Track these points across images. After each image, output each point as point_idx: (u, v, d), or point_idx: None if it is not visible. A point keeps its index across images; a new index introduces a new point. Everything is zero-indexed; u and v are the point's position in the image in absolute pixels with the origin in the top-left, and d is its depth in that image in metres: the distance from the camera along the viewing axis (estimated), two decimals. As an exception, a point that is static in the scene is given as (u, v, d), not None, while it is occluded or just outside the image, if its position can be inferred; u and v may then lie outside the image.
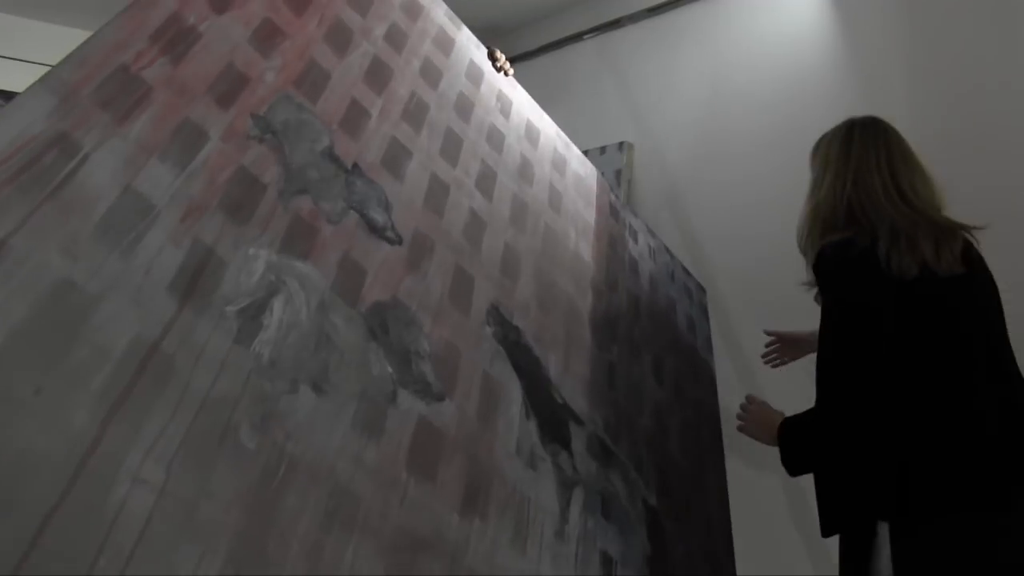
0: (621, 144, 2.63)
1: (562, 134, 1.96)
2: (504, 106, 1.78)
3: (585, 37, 2.92)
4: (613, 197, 2.02)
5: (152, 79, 1.03)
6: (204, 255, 0.96)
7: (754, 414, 1.41)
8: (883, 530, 1.11)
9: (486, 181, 1.56)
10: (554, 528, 1.22)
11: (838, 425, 1.18)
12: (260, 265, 1.03)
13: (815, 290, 1.35)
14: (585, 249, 1.76)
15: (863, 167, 1.30)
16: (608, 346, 1.63)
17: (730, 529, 1.66)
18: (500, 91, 1.80)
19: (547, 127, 1.90)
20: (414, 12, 1.66)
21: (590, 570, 1.23)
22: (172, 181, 0.98)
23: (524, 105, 1.86)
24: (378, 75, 1.44)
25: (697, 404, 1.84)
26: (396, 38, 1.55)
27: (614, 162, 2.58)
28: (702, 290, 2.18)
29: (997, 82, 1.91)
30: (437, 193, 1.41)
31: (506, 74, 1.87)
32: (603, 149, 2.66)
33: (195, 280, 0.94)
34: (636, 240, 2.00)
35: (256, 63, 1.20)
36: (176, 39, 1.10)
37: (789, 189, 1.64)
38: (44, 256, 0.82)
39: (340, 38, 1.40)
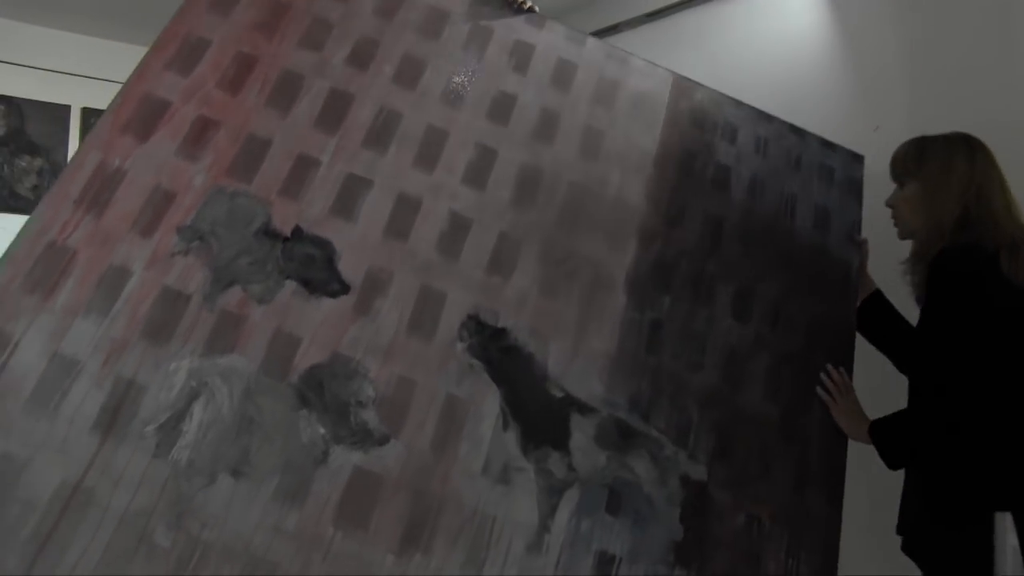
0: None
1: (617, 50, 1.85)
2: (520, 60, 1.75)
3: None
4: (700, 96, 1.85)
5: (77, 242, 1.34)
6: (124, 388, 1.26)
7: (844, 407, 1.57)
8: (1004, 521, 1.29)
9: (479, 169, 1.60)
10: (527, 541, 1.31)
11: (960, 419, 1.35)
12: (181, 376, 1.29)
13: (909, 276, 1.54)
14: (634, 188, 1.68)
15: (987, 182, 1.48)
16: (653, 302, 1.58)
17: (841, 472, 1.53)
18: (515, 43, 1.77)
19: (589, 54, 1.82)
20: (389, 9, 1.71)
21: (579, 572, 1.31)
22: (96, 331, 1.28)
23: (552, 45, 1.80)
24: (333, 109, 1.57)
25: (815, 324, 1.66)
26: (363, 51, 1.64)
27: None
28: (855, 159, 1.89)
29: (996, 84, 1.87)
30: (402, 214, 1.51)
31: (532, 10, 1.82)
32: None
33: (115, 414, 1.24)
34: (734, 139, 1.82)
35: (184, 172, 1.43)
36: (100, 191, 1.38)
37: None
38: (-13, 439, 1.18)
39: (287, 91, 1.56)
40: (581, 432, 1.42)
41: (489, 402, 1.40)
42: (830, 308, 1.70)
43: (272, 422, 1.29)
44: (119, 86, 1.52)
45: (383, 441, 1.33)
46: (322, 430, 1.31)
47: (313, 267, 1.43)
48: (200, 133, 1.48)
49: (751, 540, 1.42)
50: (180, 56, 1.54)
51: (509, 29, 1.78)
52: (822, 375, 1.60)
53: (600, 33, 2.99)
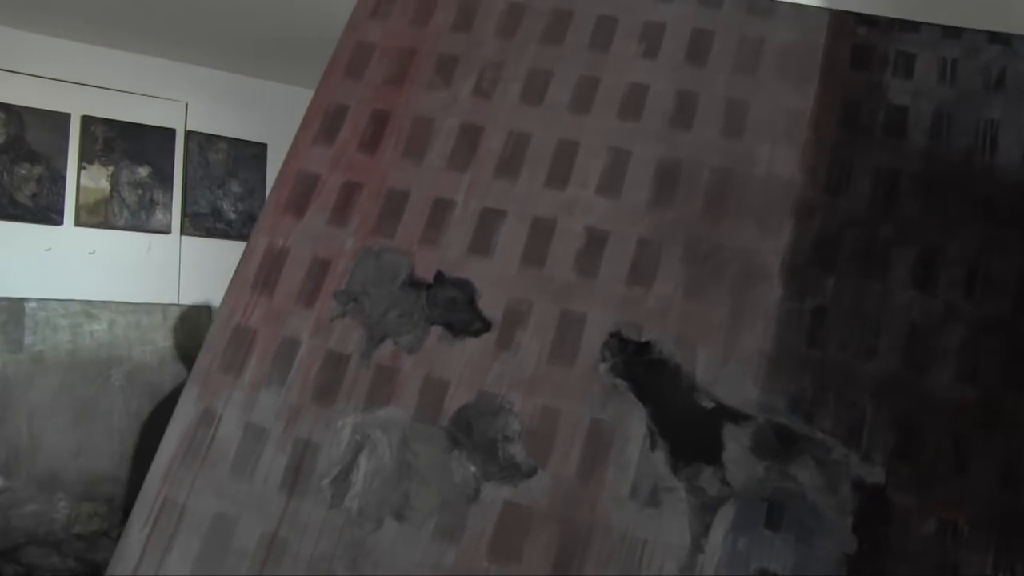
0: None
1: (760, 1, 1.71)
2: (650, 44, 1.70)
3: None
4: (863, 31, 1.65)
5: (256, 322, 1.57)
6: (302, 449, 1.47)
7: None
8: None
9: (613, 174, 1.60)
10: (679, 564, 1.32)
11: None
12: (347, 432, 1.47)
13: None
14: (787, 160, 1.56)
15: None
16: (815, 287, 1.47)
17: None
18: (643, 25, 1.72)
19: (726, 15, 1.70)
20: (511, 26, 1.75)
21: (734, 596, 1.30)
22: (276, 400, 1.51)
23: (684, 16, 1.71)
24: (464, 145, 1.66)
25: (1029, 281, 1.44)
26: (489, 78, 1.71)
27: None
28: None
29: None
30: (537, 239, 1.56)
31: None
32: None
33: (297, 473, 1.45)
34: (910, 70, 1.61)
35: (335, 239, 1.61)
36: (269, 272, 1.61)
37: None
38: (205, 502, 1.46)
39: (419, 138, 1.67)
40: (735, 443, 1.39)
41: (635, 422, 1.42)
42: (1051, 256, 1.45)
43: (427, 466, 1.43)
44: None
45: (531, 473, 1.40)
46: (472, 468, 1.42)
47: (456, 309, 1.53)
48: (346, 199, 1.64)
49: (944, 551, 1.29)
50: (323, 128, 1.71)
51: (635, 12, 1.72)
52: None
53: None
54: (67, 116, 3.57)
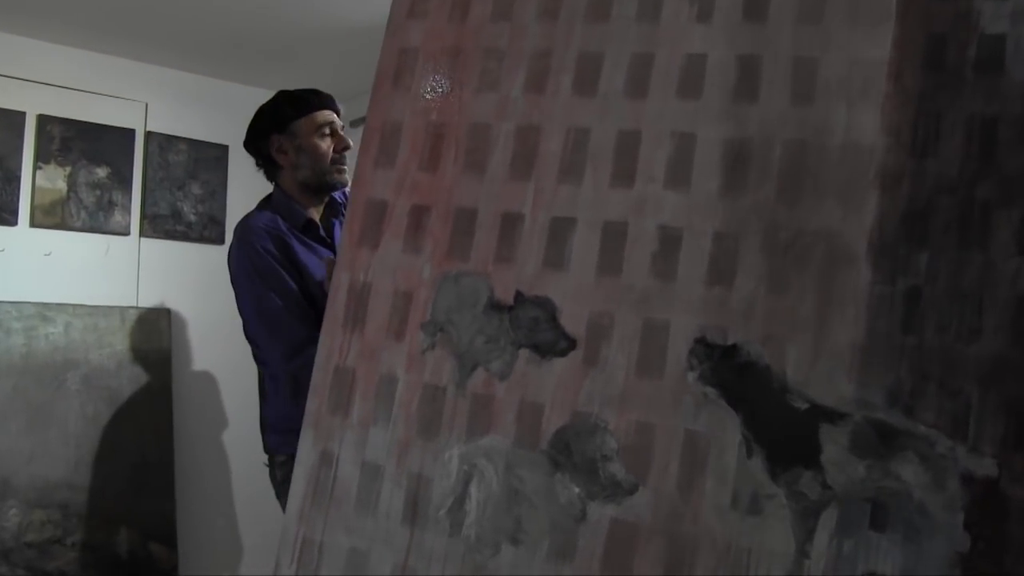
0: None
1: (824, -70, 1.55)
2: (703, 5, 1.59)
3: None
4: (947, -51, 1.48)
5: (353, 361, 1.67)
6: (416, 482, 1.58)
7: None
8: None
9: (680, 163, 1.55)
10: (786, 570, 1.37)
11: None
12: (455, 463, 1.57)
13: None
14: (866, 122, 1.46)
15: None
16: (907, 265, 1.40)
17: None
18: (696, -18, 1.60)
19: (786, -45, 1.56)
20: (552, 8, 1.68)
21: (844, 599, 1.34)
22: (385, 437, 1.62)
23: (738, -38, 1.58)
24: (523, 150, 1.64)
25: None
26: (538, 69, 1.66)
27: None
28: None
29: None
30: (611, 245, 1.56)
31: None
32: None
33: (415, 506, 1.58)
34: None
35: (413, 268, 1.66)
36: (356, 309, 1.68)
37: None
38: (338, 539, 1.61)
39: (478, 148, 1.67)
40: (833, 443, 1.39)
41: (729, 430, 1.44)
42: None
43: (533, 490, 1.51)
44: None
45: (632, 490, 1.46)
46: (576, 489, 1.49)
47: (539, 329, 1.57)
48: (416, 223, 1.67)
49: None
50: (382, 150, 1.72)
51: (684, -32, 1.60)
52: None
53: None
54: (22, 115, 3.52)
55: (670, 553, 1.42)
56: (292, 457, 1.76)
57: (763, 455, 1.41)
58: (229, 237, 4.18)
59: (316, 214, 2.25)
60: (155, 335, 3.68)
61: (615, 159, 1.57)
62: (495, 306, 1.60)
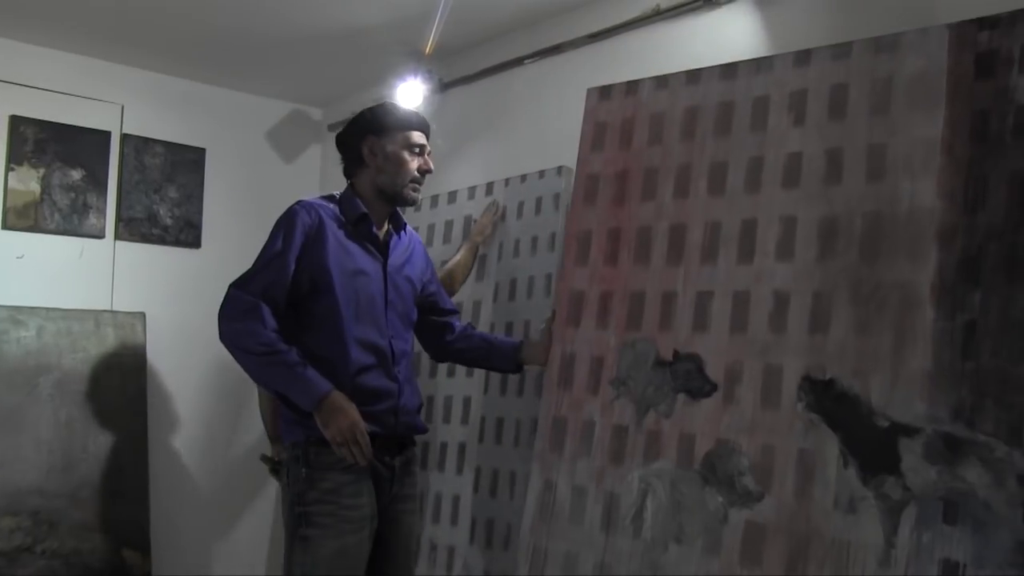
0: (560, 168, 2.77)
1: (886, 38, 1.94)
2: (798, 111, 2.03)
3: (526, 62, 3.15)
4: (984, 36, 1.81)
5: (565, 411, 2.29)
6: (609, 499, 2.15)
7: None
8: None
9: (786, 241, 2.00)
10: (877, 559, 1.73)
11: None
12: (635, 482, 2.12)
13: None
14: (926, 190, 1.81)
15: None
16: (963, 303, 1.72)
17: None
18: (790, 95, 2.05)
19: (856, 62, 1.95)
20: (690, 129, 2.23)
21: (925, 581, 1.67)
22: (588, 466, 2.21)
23: (821, 75, 2.01)
24: (675, 243, 2.18)
25: None
26: (682, 178, 2.21)
27: (553, 186, 2.79)
28: None
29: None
30: (739, 309, 2.04)
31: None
32: (542, 173, 2.85)
33: (609, 516, 2.14)
34: None
35: (603, 339, 2.27)
36: (565, 372, 2.31)
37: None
38: (556, 545, 2.22)
39: (643, 244, 2.24)
40: (910, 453, 1.73)
41: (829, 447, 1.83)
42: None
43: (691, 500, 2.01)
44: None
45: (760, 498, 1.91)
46: (720, 499, 1.97)
47: (692, 378, 2.08)
48: (604, 305, 2.28)
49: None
50: (580, 252, 2.36)
51: (781, 85, 2.07)
52: None
53: (543, 53, 3.07)
54: (-5, 117, 3.43)
55: (790, 547, 1.84)
56: (294, 444, 2.14)
57: (856, 465, 1.79)
58: (206, 241, 3.88)
59: (376, 217, 2.29)
60: (130, 339, 3.60)
61: (739, 242, 2.06)
62: (660, 362, 2.14)
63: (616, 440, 2.17)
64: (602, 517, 2.15)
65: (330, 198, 2.28)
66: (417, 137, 2.28)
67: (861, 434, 1.80)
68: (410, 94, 3.31)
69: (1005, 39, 1.77)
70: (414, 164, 2.26)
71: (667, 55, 2.64)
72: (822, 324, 1.90)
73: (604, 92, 2.43)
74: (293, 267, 2.13)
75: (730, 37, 2.51)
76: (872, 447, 1.78)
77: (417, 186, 2.29)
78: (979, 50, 1.80)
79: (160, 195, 3.83)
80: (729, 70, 2.17)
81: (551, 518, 2.25)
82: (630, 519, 2.09)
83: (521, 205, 2.90)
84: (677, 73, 2.27)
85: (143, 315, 3.69)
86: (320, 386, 2.07)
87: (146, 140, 3.79)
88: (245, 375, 2.18)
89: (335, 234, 2.19)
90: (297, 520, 2.13)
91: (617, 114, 2.38)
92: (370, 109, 2.33)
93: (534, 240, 2.81)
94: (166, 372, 3.76)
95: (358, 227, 2.25)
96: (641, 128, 2.32)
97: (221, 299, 2.17)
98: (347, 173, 2.33)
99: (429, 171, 2.31)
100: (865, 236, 1.88)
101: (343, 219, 2.23)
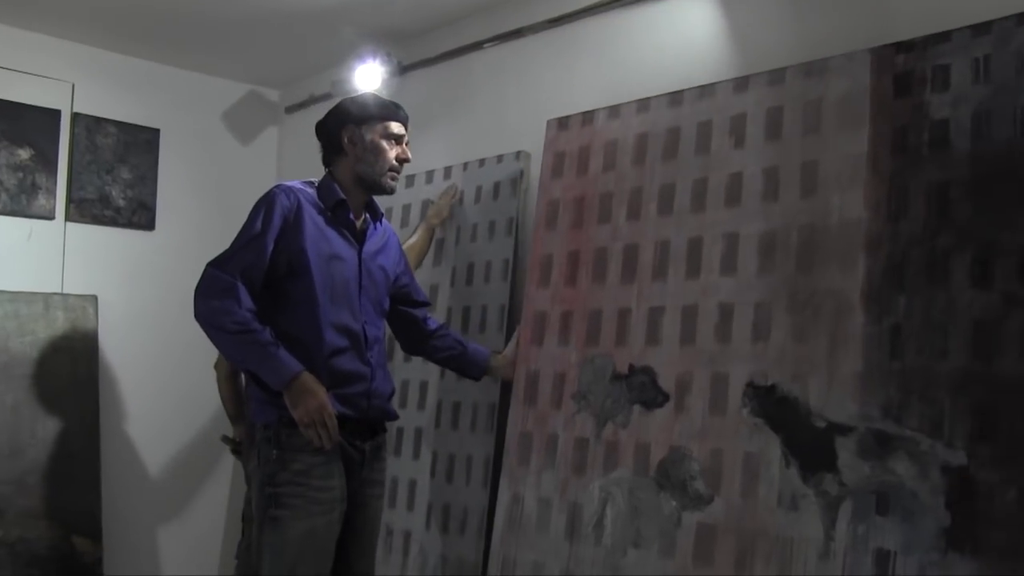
0: (518, 153, 2.81)
1: (815, 64, 2.08)
2: (738, 135, 2.16)
3: (485, 46, 3.11)
4: (900, 58, 1.94)
5: (530, 425, 2.39)
6: (572, 508, 2.25)
7: None
8: None
9: (729, 256, 2.12)
10: (818, 552, 1.82)
11: None
12: (596, 492, 2.22)
13: None
14: (854, 202, 1.93)
15: None
16: (889, 308, 1.83)
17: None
18: (731, 120, 2.19)
19: (790, 87, 2.09)
20: (640, 155, 2.37)
21: (861, 572, 1.75)
22: (552, 478, 2.31)
23: (759, 99, 2.15)
24: (628, 263, 2.31)
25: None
26: (634, 202, 2.34)
27: (511, 171, 2.81)
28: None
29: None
30: (687, 323, 2.16)
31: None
32: (500, 158, 2.87)
33: (572, 525, 2.24)
34: (946, 81, 1.83)
35: (564, 356, 2.38)
36: (529, 390, 2.43)
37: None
38: (524, 554, 2.31)
39: (600, 265, 2.37)
40: (846, 451, 1.83)
41: (773, 449, 1.93)
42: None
43: (647, 506, 2.11)
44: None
45: (710, 500, 2.00)
46: (674, 503, 2.06)
47: (646, 390, 2.19)
48: (565, 324, 2.40)
49: (1026, 512, 1.60)
50: (542, 275, 2.49)
51: (723, 111, 2.21)
52: None
53: (503, 37, 3.02)
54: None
55: (739, 545, 1.93)
56: (266, 426, 2.14)
57: (797, 464, 1.89)
58: (159, 223, 3.78)
59: (353, 205, 2.31)
60: (81, 323, 3.50)
61: (687, 260, 2.18)
62: (616, 376, 2.25)
63: (578, 452, 2.27)
64: (566, 526, 2.24)
65: (309, 184, 2.31)
66: (396, 127, 2.31)
67: (801, 435, 1.90)
68: (368, 77, 3.28)
69: (919, 61, 1.91)
70: (392, 153, 2.29)
71: (628, 41, 2.66)
72: (764, 333, 2.01)
73: (562, 123, 2.57)
74: (271, 249, 2.15)
75: (690, 24, 2.53)
76: (811, 447, 1.88)
77: (395, 175, 2.32)
78: (897, 71, 1.94)
79: (112, 176, 3.70)
80: (675, 98, 2.31)
81: (519, 529, 2.34)
82: (592, 527, 2.19)
83: (479, 190, 2.89)
84: (628, 103, 2.41)
85: (95, 298, 3.58)
86: (291, 366, 2.09)
87: (98, 120, 3.67)
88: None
89: (313, 219, 2.22)
90: (267, 501, 2.14)
91: (575, 143, 2.52)
92: (351, 98, 2.38)
93: (492, 225, 2.81)
94: (119, 356, 3.65)
95: (336, 213, 2.27)
96: (596, 155, 2.45)
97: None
98: (326, 161, 2.36)
99: (407, 160, 2.35)
100: (801, 248, 1.99)
101: (321, 205, 2.26)
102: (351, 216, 2.30)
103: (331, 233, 2.25)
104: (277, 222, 2.16)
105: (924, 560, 1.68)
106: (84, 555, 3.36)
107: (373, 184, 2.31)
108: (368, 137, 2.28)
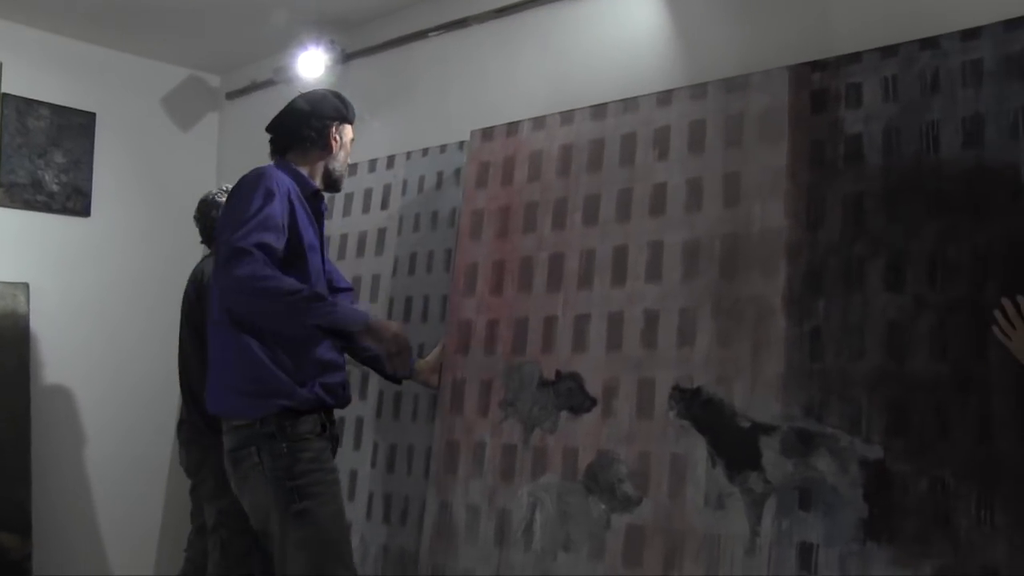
0: (462, 144, 2.79)
1: (736, 80, 2.18)
2: (662, 146, 2.25)
3: (430, 35, 3.12)
4: (817, 75, 2.05)
5: (458, 435, 2.40)
6: (501, 515, 2.26)
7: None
8: None
9: (654, 264, 2.19)
10: (744, 548, 1.89)
11: None
12: (524, 497, 2.24)
13: None
14: (775, 211, 2.03)
15: None
16: (809, 312, 1.93)
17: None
18: (655, 132, 2.27)
19: (713, 101, 2.19)
20: (565, 166, 2.42)
21: (786, 566, 1.83)
22: (481, 485, 2.32)
23: (682, 112, 2.24)
24: (554, 271, 2.35)
25: (980, 258, 1.75)
26: (559, 212, 2.39)
27: (455, 161, 2.81)
28: (1010, 28, 1.83)
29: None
30: (614, 329, 2.21)
31: None
32: (443, 147, 2.88)
33: (502, 532, 2.25)
34: (858, 98, 1.95)
35: (491, 364, 2.40)
36: (455, 398, 2.43)
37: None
38: (454, 563, 2.31)
39: (526, 274, 2.40)
40: (769, 449, 1.91)
41: (699, 450, 2.00)
42: (998, 230, 1.77)
43: (576, 510, 2.14)
44: None
45: (638, 502, 2.05)
46: (603, 506, 2.10)
47: (573, 396, 2.23)
48: (491, 332, 2.42)
49: (937, 502, 1.70)
50: (467, 284, 2.51)
51: (648, 123, 2.29)
52: (995, 312, 1.69)
53: (448, 27, 3.05)
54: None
55: (667, 545, 1.98)
56: (263, 421, 2.02)
57: (723, 464, 1.96)
58: (95, 209, 3.62)
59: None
60: (11, 311, 3.37)
61: (613, 268, 2.24)
62: (543, 383, 2.29)
63: (506, 459, 2.29)
64: (495, 533, 2.25)
65: (281, 168, 2.24)
66: (354, 131, 2.37)
67: (726, 435, 1.97)
68: (312, 64, 3.26)
69: (834, 79, 2.03)
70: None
71: (574, 32, 2.69)
72: (689, 338, 2.08)
73: (487, 133, 2.61)
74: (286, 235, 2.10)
75: (634, 16, 2.57)
76: (736, 446, 1.95)
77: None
78: (813, 88, 2.05)
79: (45, 160, 3.58)
80: (599, 111, 2.38)
81: (448, 538, 2.34)
82: (521, 532, 2.21)
83: (422, 179, 2.88)
84: (552, 114, 2.47)
85: (26, 286, 3.46)
86: (357, 309, 2.18)
87: (29, 101, 3.54)
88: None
89: (299, 210, 2.17)
90: (289, 496, 2.02)
91: (499, 153, 2.55)
92: (335, 95, 2.36)
93: (435, 215, 2.80)
94: (52, 345, 3.54)
95: (310, 203, 2.23)
96: (521, 166, 2.50)
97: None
98: (284, 150, 2.29)
99: None
100: (724, 256, 2.08)
101: (297, 192, 2.20)
102: (324, 207, 2.30)
103: (309, 222, 2.21)
104: (287, 207, 2.11)
105: (845, 551, 1.77)
106: (11, 551, 3.24)
107: (336, 181, 2.32)
108: (346, 137, 2.32)
